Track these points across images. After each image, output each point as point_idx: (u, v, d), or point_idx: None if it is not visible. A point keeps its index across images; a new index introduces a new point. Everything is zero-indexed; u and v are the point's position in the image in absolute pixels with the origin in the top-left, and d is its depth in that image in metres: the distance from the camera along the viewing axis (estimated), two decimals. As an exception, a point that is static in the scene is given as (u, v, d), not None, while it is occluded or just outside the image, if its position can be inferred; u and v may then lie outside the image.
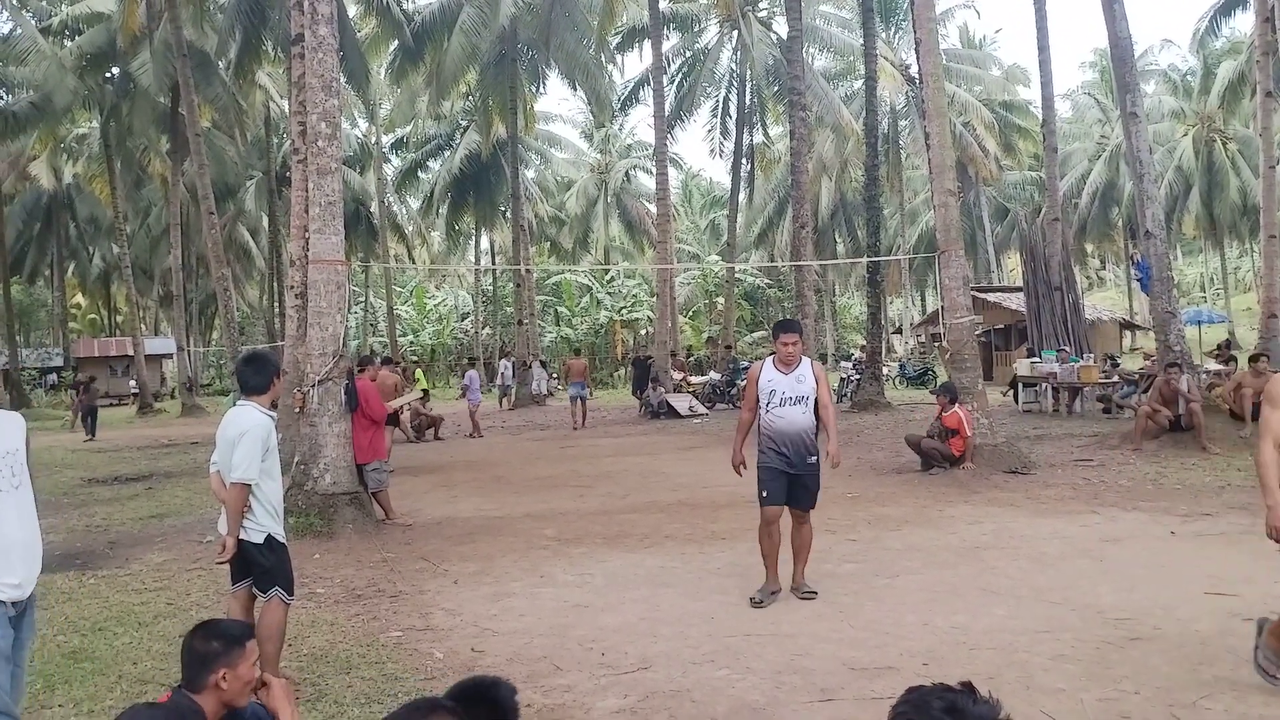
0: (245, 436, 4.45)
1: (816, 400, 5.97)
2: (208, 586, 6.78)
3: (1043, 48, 20.47)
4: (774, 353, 6.13)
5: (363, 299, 47.11)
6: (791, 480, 5.94)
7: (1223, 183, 41.93)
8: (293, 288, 11.53)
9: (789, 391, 5.94)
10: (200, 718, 2.62)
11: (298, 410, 9.47)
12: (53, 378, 41.60)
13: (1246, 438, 11.82)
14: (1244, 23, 28.77)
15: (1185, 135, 43.81)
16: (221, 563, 4.63)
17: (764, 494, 5.97)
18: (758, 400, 6.05)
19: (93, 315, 57.52)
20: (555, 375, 33.62)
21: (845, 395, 23.35)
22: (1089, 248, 53.53)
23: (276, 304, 37.10)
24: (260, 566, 4.54)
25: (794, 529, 6.10)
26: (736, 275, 39.41)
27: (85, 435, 21.50)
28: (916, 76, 17.65)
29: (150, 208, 40.58)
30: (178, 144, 28.58)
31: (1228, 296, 50.19)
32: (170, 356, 41.59)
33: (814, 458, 6.00)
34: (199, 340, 45.06)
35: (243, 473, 4.42)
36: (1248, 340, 29.21)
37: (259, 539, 4.51)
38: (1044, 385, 18.47)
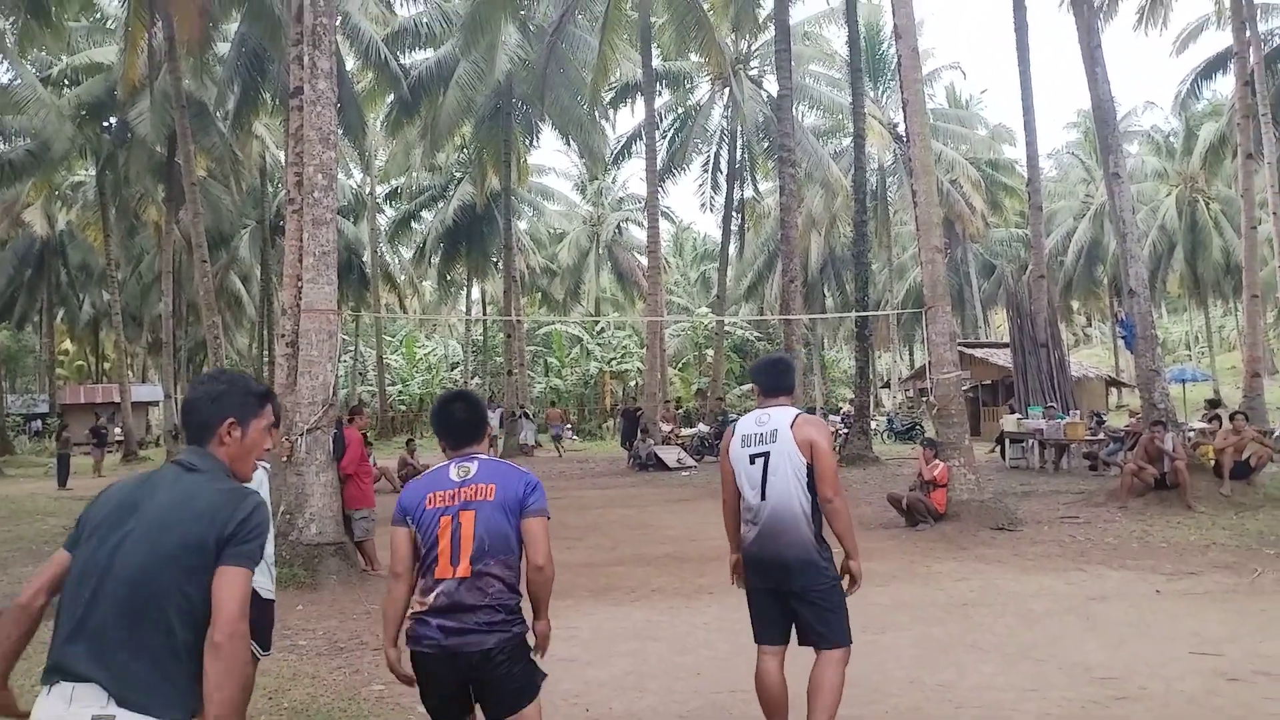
0: None
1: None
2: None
3: (1027, 108, 20.92)
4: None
5: (352, 348, 47.09)
6: None
7: (1206, 242, 42.54)
8: (284, 336, 11.56)
9: None
10: None
11: (284, 459, 9.45)
12: (37, 424, 41.26)
13: (1229, 495, 11.91)
14: (1225, 86, 29.47)
15: (1169, 195, 44.55)
16: None
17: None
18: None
19: (80, 362, 57.28)
20: (540, 426, 33.64)
21: (833, 449, 23.31)
22: (1075, 305, 54.02)
23: (266, 352, 37.05)
24: None
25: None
26: (726, 328, 39.63)
27: (58, 486, 20.74)
28: (904, 135, 18.00)
29: (142, 255, 40.67)
30: (173, 192, 28.76)
31: (1212, 355, 50.62)
32: (157, 404, 41.36)
33: None
34: (187, 388, 44.90)
35: None
36: (1232, 399, 29.42)
37: None
38: (1031, 441, 18.54)
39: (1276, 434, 18.47)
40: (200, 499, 2.21)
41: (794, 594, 4.06)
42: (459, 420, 3.37)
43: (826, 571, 4.08)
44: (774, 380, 4.29)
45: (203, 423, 2.38)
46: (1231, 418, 13.46)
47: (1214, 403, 21.33)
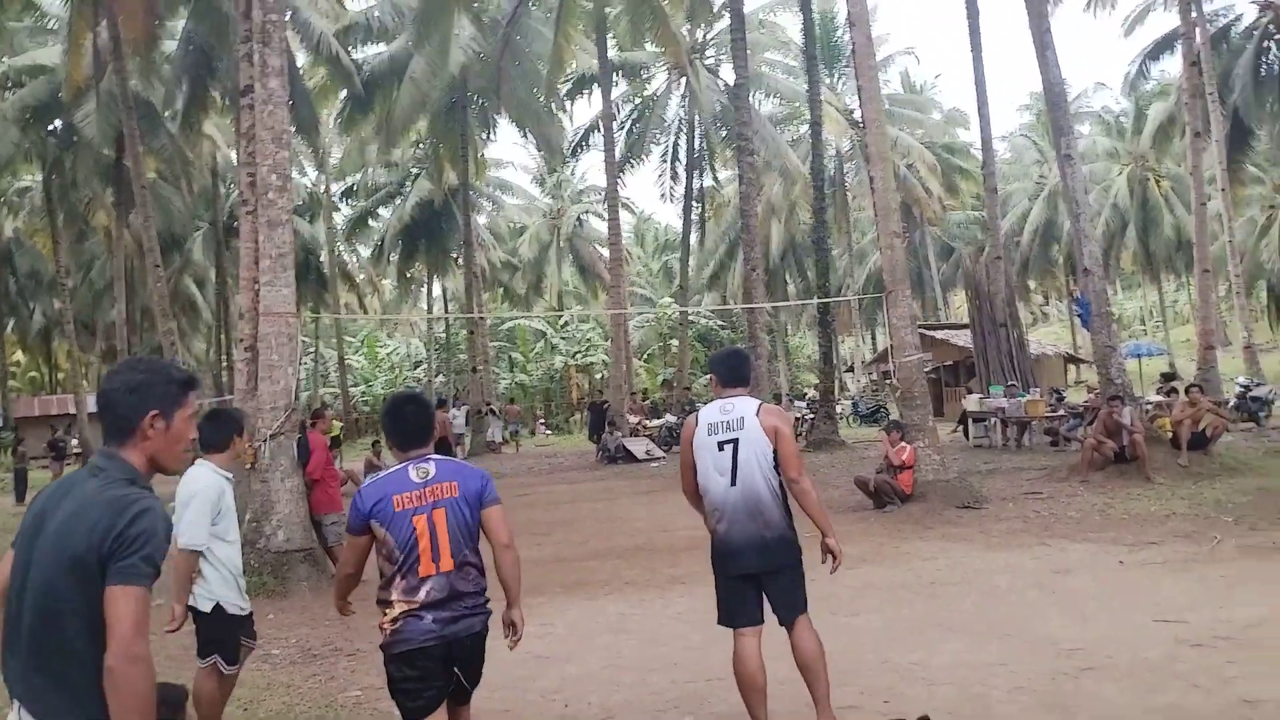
0: (194, 500, 4.34)
1: None
2: (157, 651, 6.55)
3: (980, 92, 21.13)
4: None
5: (313, 350, 46.58)
6: None
7: (1157, 219, 43.33)
8: (242, 340, 11.41)
9: None
10: None
11: (248, 466, 9.33)
12: (-10, 437, 40.34)
13: (1186, 466, 12.17)
14: (1172, 66, 29.99)
15: (1120, 174, 45.28)
16: (170, 632, 4.42)
17: None
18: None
19: (33, 373, 56.06)
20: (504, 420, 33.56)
21: (800, 434, 23.60)
22: (1032, 284, 54.81)
23: (224, 357, 36.54)
24: (202, 633, 4.41)
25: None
26: (690, 317, 39.70)
27: (15, 501, 19.79)
28: (860, 121, 18.13)
29: (93, 261, 39.86)
30: (122, 196, 28.23)
31: (1166, 329, 51.60)
32: (115, 412, 40.61)
33: None
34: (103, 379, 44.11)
35: (189, 539, 4.24)
36: (1187, 371, 30.08)
37: (206, 608, 4.36)
38: (993, 420, 18.80)
39: (1231, 404, 18.92)
40: (89, 510, 2.09)
41: (771, 572, 4.22)
42: (413, 423, 3.55)
43: (796, 544, 4.29)
44: (732, 372, 4.45)
45: (122, 417, 2.21)
46: (1187, 390, 13.73)
47: (1169, 376, 21.77)
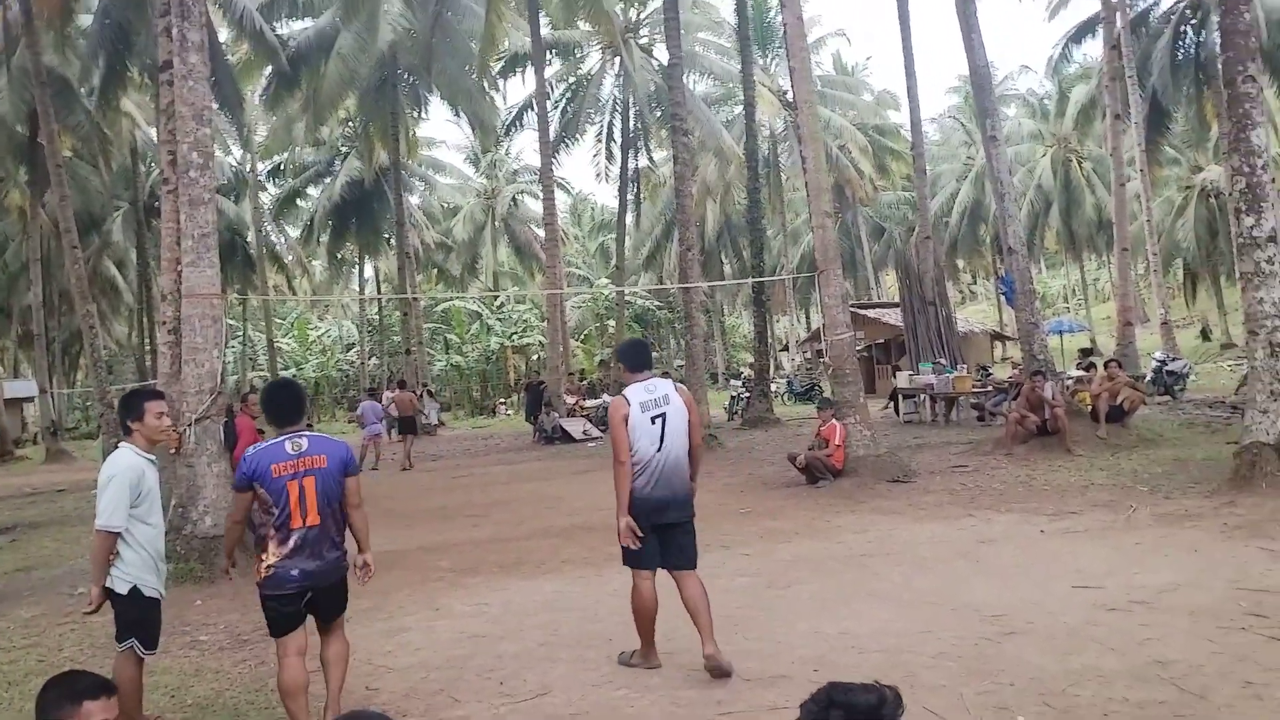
0: (112, 481, 4.30)
1: None
2: (81, 641, 6.44)
3: (910, 74, 21.46)
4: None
5: (240, 333, 45.44)
6: None
7: (1079, 200, 44.50)
8: (165, 323, 11.07)
9: None
10: None
11: (173, 450, 9.10)
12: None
13: (1105, 438, 12.60)
14: (1094, 49, 30.74)
15: (1044, 156, 46.38)
16: (89, 613, 4.52)
17: None
18: None
19: (-56, 357, 53.75)
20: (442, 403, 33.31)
21: (735, 413, 23.87)
22: (960, 263, 55.90)
23: (147, 340, 35.49)
24: (119, 616, 4.37)
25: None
26: (626, 298, 39.73)
27: None
28: (793, 102, 18.21)
29: (7, 242, 38.27)
30: (37, 174, 27.15)
31: (1088, 306, 53.14)
32: (31, 400, 39.22)
33: None
34: (63, 381, 42.57)
35: (106, 520, 4.25)
36: (1108, 347, 31.04)
37: (123, 589, 4.33)
38: (922, 396, 19.20)
39: (1148, 379, 19.60)
40: None
41: (677, 525, 4.95)
42: (285, 404, 4.32)
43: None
44: (638, 359, 5.20)
45: None
46: (1106, 365, 14.19)
47: (1087, 351, 22.46)
